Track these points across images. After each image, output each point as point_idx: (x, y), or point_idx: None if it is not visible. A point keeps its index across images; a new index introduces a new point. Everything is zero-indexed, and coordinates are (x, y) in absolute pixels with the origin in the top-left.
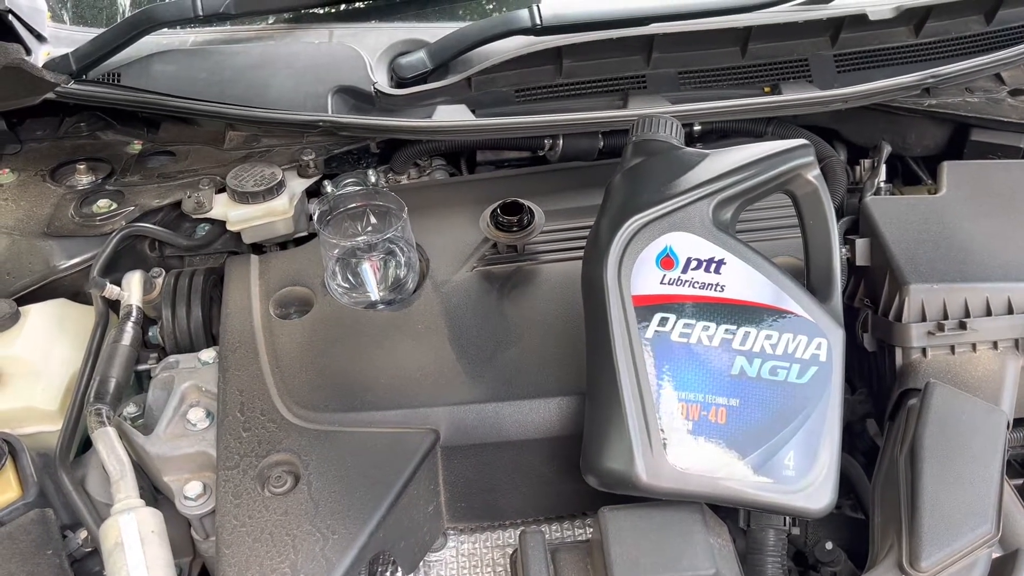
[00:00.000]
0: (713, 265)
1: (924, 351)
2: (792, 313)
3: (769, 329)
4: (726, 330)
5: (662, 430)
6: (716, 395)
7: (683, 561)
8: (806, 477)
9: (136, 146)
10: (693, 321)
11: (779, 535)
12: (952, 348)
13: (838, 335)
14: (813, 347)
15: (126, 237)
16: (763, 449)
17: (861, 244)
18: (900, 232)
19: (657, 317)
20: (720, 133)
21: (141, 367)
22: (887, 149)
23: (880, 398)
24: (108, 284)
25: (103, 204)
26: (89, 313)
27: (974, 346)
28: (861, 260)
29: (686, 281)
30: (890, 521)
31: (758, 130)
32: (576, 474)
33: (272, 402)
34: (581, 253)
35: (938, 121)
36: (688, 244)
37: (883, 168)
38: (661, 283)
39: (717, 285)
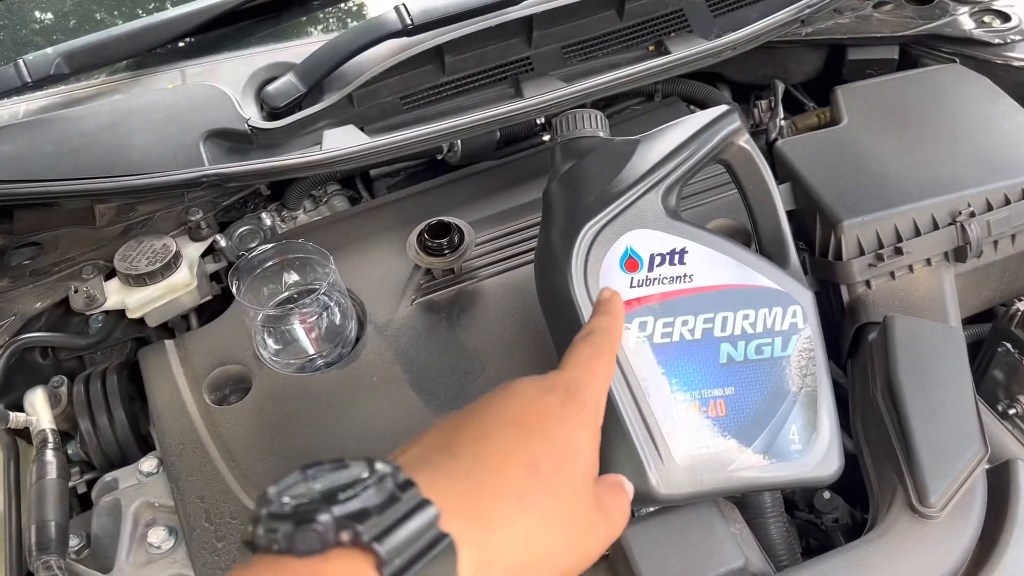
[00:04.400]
0: (676, 256)
1: (868, 283)
2: (761, 287)
3: (744, 308)
4: (705, 320)
5: (666, 437)
6: (711, 388)
7: (712, 559)
8: (813, 447)
9: None
10: (671, 318)
11: (775, 496)
12: (892, 274)
13: (808, 297)
14: (789, 316)
15: (14, 353)
16: (767, 430)
17: (784, 189)
18: (819, 170)
19: (636, 323)
20: (607, 100)
21: None
22: (781, 87)
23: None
24: (11, 414)
25: None
26: None
27: (911, 267)
28: (786, 205)
29: (654, 279)
30: (884, 462)
31: (647, 89)
32: None
33: (240, 501)
34: (522, 260)
35: (815, 47)
36: (647, 240)
37: (780, 107)
38: (631, 287)
39: (685, 276)
